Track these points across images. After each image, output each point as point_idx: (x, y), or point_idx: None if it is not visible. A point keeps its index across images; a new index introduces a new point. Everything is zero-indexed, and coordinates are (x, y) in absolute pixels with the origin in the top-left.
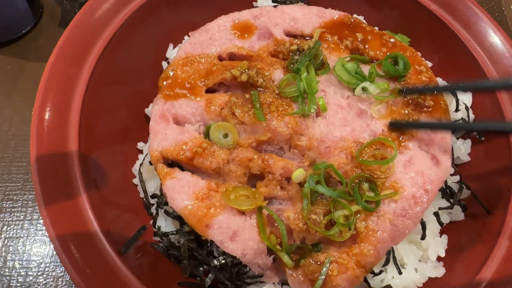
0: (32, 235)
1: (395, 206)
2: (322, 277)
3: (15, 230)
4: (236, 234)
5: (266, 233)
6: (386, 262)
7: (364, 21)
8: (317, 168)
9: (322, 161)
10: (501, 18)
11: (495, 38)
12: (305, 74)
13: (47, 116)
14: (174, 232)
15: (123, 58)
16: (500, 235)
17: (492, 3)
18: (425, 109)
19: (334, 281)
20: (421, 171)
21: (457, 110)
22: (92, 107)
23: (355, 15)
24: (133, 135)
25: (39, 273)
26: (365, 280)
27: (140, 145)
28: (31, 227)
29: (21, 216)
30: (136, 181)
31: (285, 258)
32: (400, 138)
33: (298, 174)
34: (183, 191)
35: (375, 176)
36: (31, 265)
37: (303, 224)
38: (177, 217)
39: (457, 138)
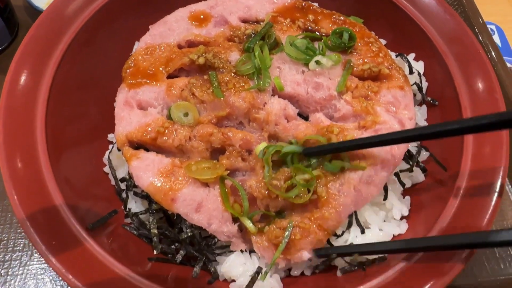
0: (13, 238)
1: (361, 173)
2: (285, 240)
3: None
4: (200, 205)
5: (229, 202)
6: (349, 225)
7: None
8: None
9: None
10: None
11: (439, 10)
12: (259, 51)
13: (12, 122)
14: (144, 212)
15: (88, 59)
16: (454, 187)
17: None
18: (382, 80)
19: (298, 245)
20: None
21: (411, 73)
22: (58, 111)
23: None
24: (104, 130)
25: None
26: (329, 242)
27: (110, 136)
28: (12, 230)
29: (1, 221)
30: (107, 169)
31: (248, 224)
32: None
33: (261, 147)
34: (148, 169)
35: None
36: (12, 265)
37: (265, 190)
38: (146, 197)
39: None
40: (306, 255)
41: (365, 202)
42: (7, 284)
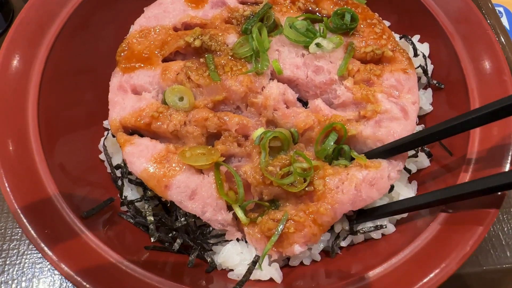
0: (10, 227)
1: (366, 173)
2: (278, 233)
3: None
4: (194, 192)
5: (224, 189)
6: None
7: None
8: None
9: (284, 122)
10: None
11: None
12: (257, 33)
13: (2, 108)
14: (139, 199)
15: (82, 42)
16: (461, 172)
17: None
18: (385, 63)
19: (291, 238)
20: (391, 129)
21: (415, 55)
22: (51, 96)
23: None
24: (100, 116)
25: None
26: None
27: (106, 122)
28: (9, 220)
29: None
30: (102, 156)
31: (240, 214)
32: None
33: (259, 132)
34: (142, 155)
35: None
36: (10, 254)
37: (259, 176)
38: (140, 184)
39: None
40: (298, 248)
41: (363, 204)
42: (5, 273)
